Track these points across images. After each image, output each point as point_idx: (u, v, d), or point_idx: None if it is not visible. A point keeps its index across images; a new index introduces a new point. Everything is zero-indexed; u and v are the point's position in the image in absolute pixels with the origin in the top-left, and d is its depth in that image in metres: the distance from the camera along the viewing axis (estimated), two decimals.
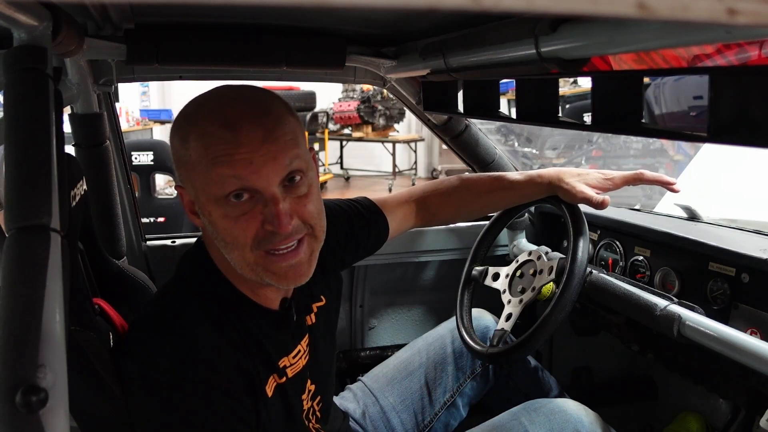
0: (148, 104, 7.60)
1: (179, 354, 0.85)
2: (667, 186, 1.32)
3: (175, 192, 3.32)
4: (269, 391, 0.93)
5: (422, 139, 8.37)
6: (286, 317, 0.99)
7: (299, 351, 1.02)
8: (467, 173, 1.51)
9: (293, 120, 0.87)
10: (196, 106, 0.87)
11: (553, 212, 1.60)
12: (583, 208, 1.33)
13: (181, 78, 1.51)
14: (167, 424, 0.84)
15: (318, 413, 1.09)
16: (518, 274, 1.40)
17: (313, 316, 1.07)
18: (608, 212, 1.35)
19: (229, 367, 0.87)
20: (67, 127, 1.21)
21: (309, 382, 1.05)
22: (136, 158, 3.06)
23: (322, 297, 1.10)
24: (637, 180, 1.32)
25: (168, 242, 1.69)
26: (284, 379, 0.97)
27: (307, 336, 1.04)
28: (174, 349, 0.86)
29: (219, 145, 0.81)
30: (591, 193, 1.30)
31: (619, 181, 1.33)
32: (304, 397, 1.03)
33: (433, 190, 1.39)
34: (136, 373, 0.86)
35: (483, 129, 1.76)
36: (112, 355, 0.88)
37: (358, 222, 1.22)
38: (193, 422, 0.83)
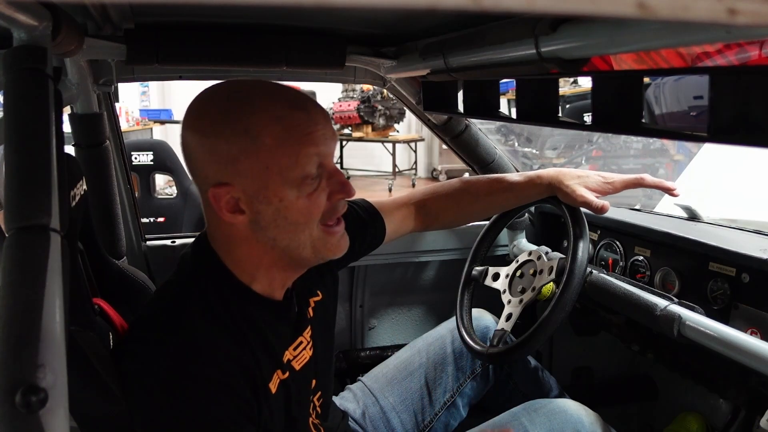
0: (148, 104, 7.60)
1: (180, 352, 0.85)
2: (668, 191, 1.32)
3: (175, 192, 3.33)
4: (273, 387, 0.93)
5: (422, 139, 8.36)
6: (288, 307, 0.99)
7: (301, 342, 1.02)
8: (467, 175, 1.51)
9: None
10: (239, 100, 0.85)
11: (553, 212, 1.60)
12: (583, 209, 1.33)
13: (180, 78, 1.51)
14: (170, 423, 0.84)
15: (318, 409, 1.09)
16: (518, 274, 1.40)
17: (311, 310, 1.07)
18: (608, 212, 1.35)
19: (232, 364, 0.87)
20: (67, 127, 1.21)
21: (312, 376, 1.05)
22: (136, 158, 3.06)
23: (318, 292, 1.11)
24: (637, 184, 1.33)
25: (168, 242, 1.69)
26: (287, 374, 0.97)
27: (309, 327, 1.05)
28: (175, 348, 0.85)
29: (299, 125, 0.84)
30: (591, 197, 1.30)
31: (620, 185, 1.33)
32: (308, 390, 1.04)
33: (432, 193, 1.39)
34: (138, 373, 0.85)
35: (483, 129, 1.76)
36: (112, 355, 0.88)
37: (354, 222, 1.22)
38: (196, 420, 0.83)
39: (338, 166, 8.59)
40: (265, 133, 0.83)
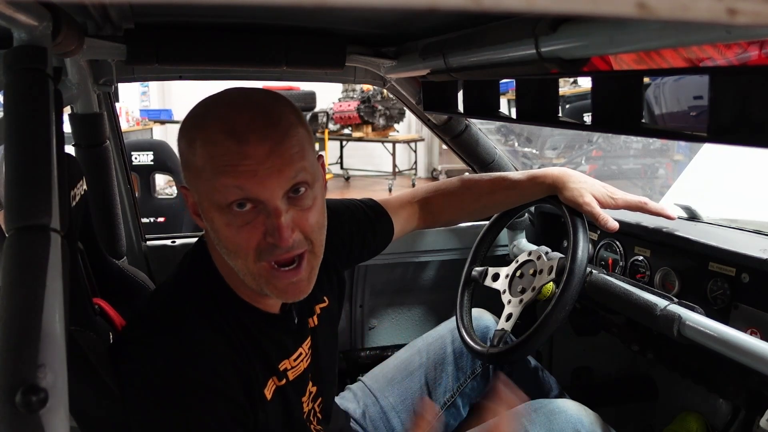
0: (148, 104, 7.59)
1: (175, 353, 0.85)
2: (668, 218, 1.34)
3: (175, 192, 3.32)
4: (268, 393, 0.93)
5: (422, 139, 8.36)
6: (287, 320, 0.99)
7: (300, 354, 1.01)
8: (468, 174, 1.51)
9: (302, 130, 0.85)
10: (205, 108, 0.85)
11: (553, 212, 1.60)
12: None
13: (181, 78, 1.51)
14: (161, 424, 0.84)
15: (319, 414, 1.09)
16: (518, 274, 1.40)
17: (315, 318, 1.07)
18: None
19: (226, 368, 0.87)
20: (67, 127, 1.21)
21: (310, 384, 1.05)
22: (136, 158, 3.06)
23: (325, 298, 1.10)
24: (639, 208, 1.32)
25: (168, 242, 1.69)
26: (284, 381, 0.96)
27: (309, 339, 1.04)
28: (169, 349, 0.85)
29: (224, 155, 0.80)
30: (598, 209, 1.29)
31: (622, 203, 1.33)
32: (304, 399, 1.03)
33: (435, 191, 1.39)
34: (132, 374, 0.85)
35: (483, 129, 1.76)
36: (109, 353, 0.88)
37: (363, 223, 1.22)
38: (188, 422, 0.83)
39: (338, 166, 8.61)
40: (198, 153, 0.82)
